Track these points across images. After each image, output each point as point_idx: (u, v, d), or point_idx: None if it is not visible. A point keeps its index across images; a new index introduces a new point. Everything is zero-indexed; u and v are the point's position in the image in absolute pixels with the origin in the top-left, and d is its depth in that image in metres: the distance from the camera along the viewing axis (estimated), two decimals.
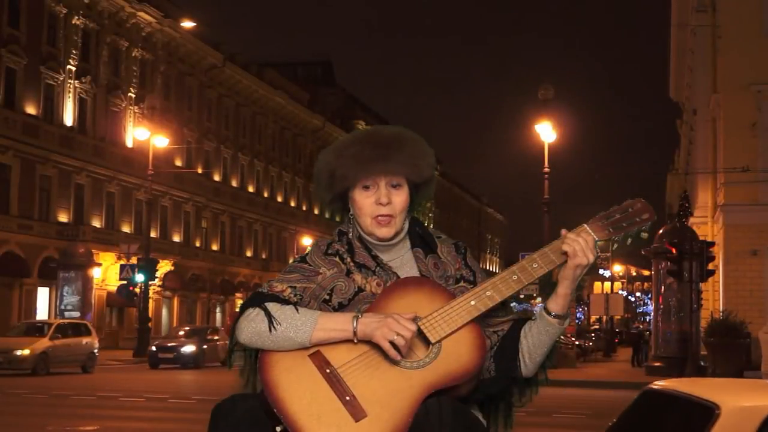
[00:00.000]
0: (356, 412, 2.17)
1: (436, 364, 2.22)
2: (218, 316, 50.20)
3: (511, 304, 2.49)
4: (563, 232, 2.32)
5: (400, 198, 2.39)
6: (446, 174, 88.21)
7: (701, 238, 24.22)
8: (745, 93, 26.32)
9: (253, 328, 2.28)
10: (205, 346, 26.53)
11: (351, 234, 2.46)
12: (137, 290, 31.87)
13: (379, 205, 2.37)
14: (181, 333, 28.46)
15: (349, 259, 2.42)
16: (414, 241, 2.47)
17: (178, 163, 45.22)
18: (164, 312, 44.72)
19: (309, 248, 2.53)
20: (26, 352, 21.10)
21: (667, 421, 4.21)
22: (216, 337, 27.99)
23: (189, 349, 26.16)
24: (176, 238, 45.55)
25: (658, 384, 4.49)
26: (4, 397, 14.70)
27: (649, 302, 72.86)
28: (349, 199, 2.43)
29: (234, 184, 52.13)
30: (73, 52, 37.34)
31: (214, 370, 24.30)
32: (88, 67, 38.67)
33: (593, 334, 43.76)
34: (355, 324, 2.23)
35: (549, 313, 2.32)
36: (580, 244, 2.28)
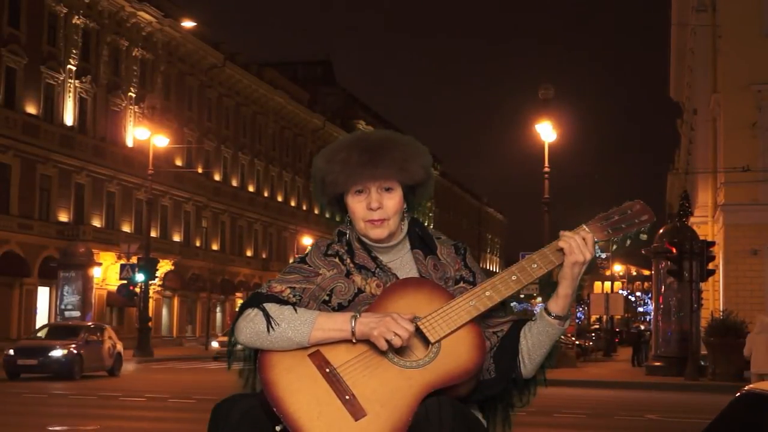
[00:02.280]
0: (356, 411, 2.18)
1: (436, 363, 2.22)
2: (218, 315, 50.23)
3: (511, 304, 2.49)
4: (562, 232, 2.32)
5: (392, 201, 2.39)
6: (446, 174, 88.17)
7: (701, 237, 24.25)
8: (745, 93, 26.32)
9: (251, 328, 2.29)
10: (82, 351, 20.32)
11: (350, 235, 2.46)
12: (137, 290, 31.88)
13: (370, 209, 2.38)
14: (48, 331, 21.97)
15: (348, 260, 2.42)
16: (414, 243, 2.47)
17: (179, 162, 45.23)
18: (164, 312, 44.74)
19: (309, 249, 2.53)
20: None
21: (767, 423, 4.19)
22: (98, 337, 21.51)
23: (58, 353, 19.96)
24: (176, 238, 45.55)
25: (757, 386, 4.47)
26: (4, 396, 14.71)
27: (649, 302, 72.85)
28: (344, 203, 2.44)
29: (234, 183, 52.14)
30: (74, 51, 37.34)
31: (100, 380, 20.16)
32: (89, 66, 38.67)
33: (593, 334, 43.79)
34: (353, 324, 2.23)
35: (549, 314, 2.32)
36: (576, 240, 2.28)
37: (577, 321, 42.07)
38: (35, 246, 34.82)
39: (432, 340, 2.24)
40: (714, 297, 28.00)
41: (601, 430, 11.97)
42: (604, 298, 36.76)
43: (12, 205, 34.19)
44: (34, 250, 34.74)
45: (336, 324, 2.25)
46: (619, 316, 51.54)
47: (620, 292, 70.23)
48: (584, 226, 2.33)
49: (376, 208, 2.37)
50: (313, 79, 67.80)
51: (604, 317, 48.58)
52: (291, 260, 2.56)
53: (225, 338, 22.91)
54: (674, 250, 22.08)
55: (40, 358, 19.97)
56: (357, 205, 2.40)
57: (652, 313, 27.71)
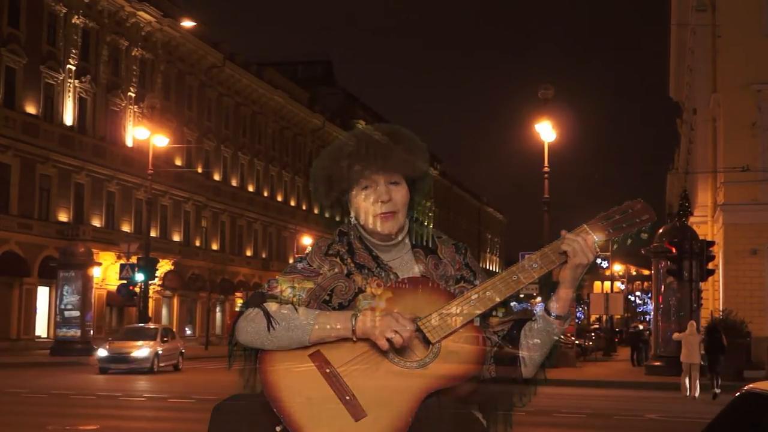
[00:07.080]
0: (356, 411, 2.17)
1: (436, 364, 2.22)
2: (218, 315, 50.22)
3: (511, 304, 2.48)
4: (563, 233, 2.32)
5: (399, 194, 2.40)
6: (446, 174, 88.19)
7: (701, 237, 24.26)
8: (745, 92, 26.34)
9: (252, 327, 2.28)
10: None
11: (352, 235, 2.46)
12: (137, 290, 31.87)
13: (380, 203, 2.38)
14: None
15: (349, 260, 2.41)
16: (414, 242, 2.48)
17: (178, 162, 45.23)
18: (164, 311, 44.74)
19: (309, 248, 2.52)
20: None
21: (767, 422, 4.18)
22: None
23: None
24: (176, 238, 45.55)
25: (757, 386, 4.46)
26: (4, 396, 14.70)
27: (649, 302, 72.86)
28: (348, 203, 2.44)
29: (234, 183, 52.14)
30: (73, 51, 37.34)
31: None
32: (88, 66, 38.67)
33: (593, 334, 43.76)
34: (353, 322, 2.23)
35: (550, 314, 2.32)
36: (579, 243, 2.28)
37: (576, 321, 42.04)
38: (35, 246, 34.82)
39: (432, 340, 2.24)
40: (714, 297, 28.01)
41: (601, 430, 11.98)
42: (604, 297, 36.74)
43: (12, 205, 34.19)
44: (33, 249, 34.74)
45: (337, 322, 2.25)
46: (618, 316, 51.51)
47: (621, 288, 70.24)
48: (585, 226, 2.33)
49: (387, 200, 2.37)
50: (313, 79, 67.79)
51: (604, 317, 48.58)
52: (291, 260, 2.55)
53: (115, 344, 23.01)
54: (674, 250, 22.10)
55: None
56: (365, 201, 2.40)
57: (652, 313, 27.70)
